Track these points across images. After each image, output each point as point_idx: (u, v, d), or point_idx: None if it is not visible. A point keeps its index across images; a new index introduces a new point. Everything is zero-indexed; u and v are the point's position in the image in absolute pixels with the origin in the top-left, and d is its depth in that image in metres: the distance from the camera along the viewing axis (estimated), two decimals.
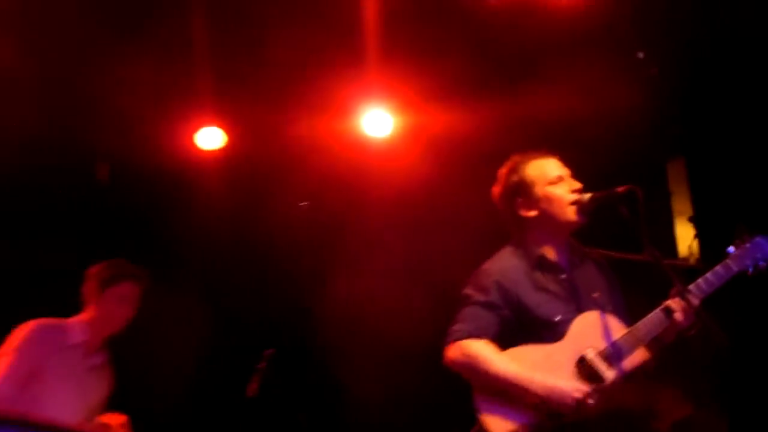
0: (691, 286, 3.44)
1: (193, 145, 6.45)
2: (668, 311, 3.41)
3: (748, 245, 3.54)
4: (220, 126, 6.40)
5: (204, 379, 6.55)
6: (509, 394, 3.33)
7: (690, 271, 3.55)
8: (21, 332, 4.18)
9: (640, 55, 6.21)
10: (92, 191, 6.53)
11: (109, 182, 6.57)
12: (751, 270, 3.53)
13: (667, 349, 3.49)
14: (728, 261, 3.52)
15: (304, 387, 5.65)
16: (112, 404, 4.46)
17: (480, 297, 3.52)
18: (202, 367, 6.52)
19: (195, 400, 6.45)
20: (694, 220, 6.75)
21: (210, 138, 6.45)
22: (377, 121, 6.42)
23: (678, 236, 6.81)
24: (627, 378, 3.34)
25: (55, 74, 5.83)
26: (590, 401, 3.26)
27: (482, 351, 3.41)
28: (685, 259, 6.44)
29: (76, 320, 4.36)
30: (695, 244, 6.69)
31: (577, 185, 3.61)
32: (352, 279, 6.53)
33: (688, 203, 6.86)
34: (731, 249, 3.55)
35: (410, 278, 6.45)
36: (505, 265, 3.59)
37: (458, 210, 6.02)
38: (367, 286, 6.48)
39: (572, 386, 3.30)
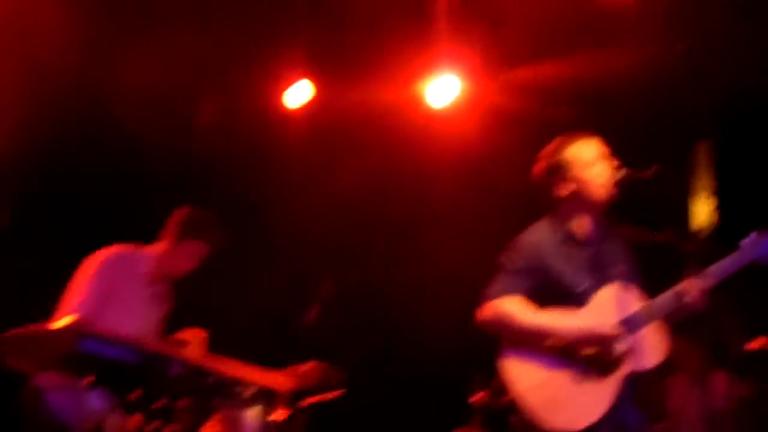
0: (706, 272, 3.22)
1: (280, 103, 6.21)
2: (679, 294, 3.22)
3: (761, 238, 3.28)
4: (309, 79, 6.08)
5: (273, 309, 6.45)
6: (536, 342, 3.20)
7: (705, 256, 3.28)
8: (97, 258, 3.98)
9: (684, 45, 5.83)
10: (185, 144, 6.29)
11: (213, 125, 6.31)
12: (762, 262, 3.28)
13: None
14: (741, 251, 3.28)
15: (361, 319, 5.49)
16: (193, 320, 4.32)
17: (512, 265, 3.37)
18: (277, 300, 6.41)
19: (262, 327, 6.36)
20: (716, 197, 6.45)
21: (297, 94, 6.10)
22: (442, 89, 6.09)
23: (698, 211, 6.50)
24: None
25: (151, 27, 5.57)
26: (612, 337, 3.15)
27: (513, 305, 3.28)
28: (703, 240, 6.13)
29: (148, 251, 4.13)
30: (714, 218, 6.39)
31: (614, 163, 3.39)
32: (415, 243, 6.33)
33: (713, 181, 6.53)
34: (745, 240, 3.29)
35: (470, 243, 6.22)
36: (539, 237, 3.42)
37: (515, 178, 5.77)
38: (430, 247, 6.27)
39: (597, 325, 3.18)
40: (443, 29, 5.72)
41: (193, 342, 5.18)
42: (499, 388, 3.34)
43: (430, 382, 6.33)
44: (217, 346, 4.00)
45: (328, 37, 6.00)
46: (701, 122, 6.43)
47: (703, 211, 6.46)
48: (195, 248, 4.12)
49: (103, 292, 3.89)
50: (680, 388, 5.67)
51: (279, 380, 3.72)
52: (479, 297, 3.37)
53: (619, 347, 3.17)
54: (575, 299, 3.26)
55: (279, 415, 4.64)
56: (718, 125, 6.36)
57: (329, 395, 5.06)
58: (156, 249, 4.16)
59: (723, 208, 6.38)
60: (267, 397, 4.21)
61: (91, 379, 2.86)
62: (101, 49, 5.49)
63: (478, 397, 5.16)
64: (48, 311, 3.94)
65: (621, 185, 3.33)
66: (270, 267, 6.36)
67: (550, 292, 3.29)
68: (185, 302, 4.38)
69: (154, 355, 2.91)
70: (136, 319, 3.98)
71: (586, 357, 3.17)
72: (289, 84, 6.12)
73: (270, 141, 6.36)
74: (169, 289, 4.24)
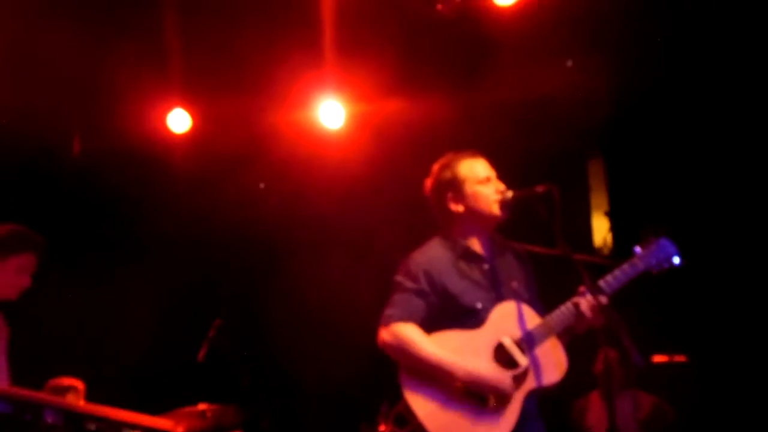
0: (600, 282, 3.31)
1: (164, 127, 6.21)
2: (577, 306, 3.28)
3: (653, 246, 3.39)
4: (187, 110, 6.15)
5: (160, 347, 6.32)
6: (434, 376, 3.21)
7: (601, 268, 3.37)
8: None
9: (569, 63, 6.06)
10: (65, 167, 6.18)
11: (82, 157, 6.23)
12: (655, 270, 3.37)
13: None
14: (635, 260, 3.38)
15: (248, 354, 5.43)
16: (71, 370, 4.16)
17: (410, 284, 3.37)
18: (160, 336, 6.29)
19: (150, 366, 6.21)
20: (609, 214, 6.67)
21: (179, 121, 6.21)
22: (331, 112, 6.21)
23: (594, 228, 6.73)
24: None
25: (34, 53, 5.47)
26: (507, 388, 3.19)
27: (412, 334, 3.28)
28: (598, 254, 6.34)
29: None
30: (609, 237, 6.61)
31: (502, 186, 3.49)
32: (303, 259, 6.33)
33: (606, 199, 6.78)
34: (638, 249, 3.40)
35: (357, 260, 6.27)
36: (433, 254, 3.45)
37: (404, 197, 5.85)
38: (317, 265, 6.29)
39: (492, 374, 3.19)
40: (330, 53, 5.79)
41: (69, 389, 4.97)
42: (402, 415, 3.30)
43: (334, 413, 6.29)
44: (94, 394, 3.85)
45: (213, 65, 6.00)
46: (592, 141, 6.69)
47: (599, 229, 6.69)
48: (21, 261, 3.84)
49: None
50: (596, 406, 5.82)
51: (168, 423, 3.59)
52: (377, 319, 3.36)
53: (521, 363, 3.20)
54: (473, 317, 3.29)
55: None
56: (608, 143, 6.63)
57: None
58: None
59: (617, 225, 6.62)
60: None
61: None
62: None
63: (384, 427, 5.13)
64: None
65: (513, 204, 3.40)
66: (153, 305, 6.23)
67: (449, 309, 3.31)
68: (57, 346, 4.22)
69: (25, 403, 2.76)
70: None
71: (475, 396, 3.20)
72: (171, 108, 6.12)
73: (155, 166, 6.30)
74: (2, 318, 3.96)
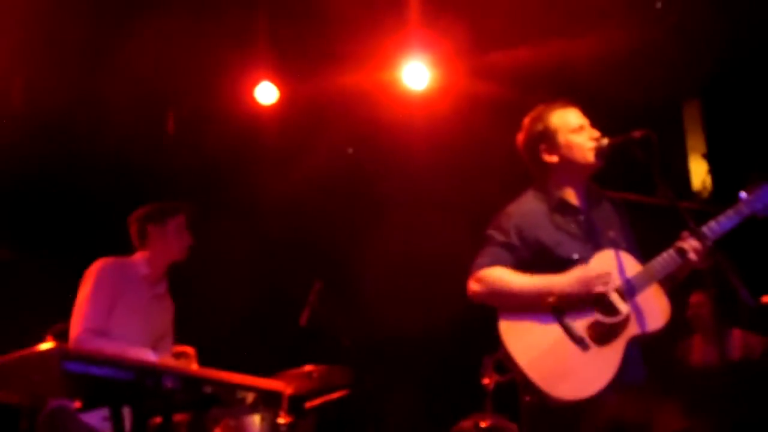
0: (704, 228, 3.23)
1: (252, 99, 6.32)
2: (681, 251, 3.23)
3: (759, 190, 3.30)
4: (274, 82, 6.25)
5: (263, 311, 6.50)
6: (531, 305, 3.20)
7: (702, 214, 3.30)
8: (93, 272, 4.06)
9: (658, 5, 5.88)
10: (161, 141, 6.41)
11: (175, 133, 6.43)
12: (761, 214, 3.29)
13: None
14: (740, 205, 3.29)
15: (349, 315, 5.53)
16: (178, 335, 4.37)
17: (500, 237, 3.38)
18: (262, 300, 6.47)
19: (254, 330, 6.40)
20: (707, 156, 6.49)
21: (267, 93, 6.31)
22: (416, 74, 6.20)
23: (692, 172, 6.56)
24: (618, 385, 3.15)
25: (128, 34, 5.65)
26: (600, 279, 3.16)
27: (499, 273, 3.30)
28: (697, 198, 6.18)
29: (137, 256, 4.24)
30: (708, 180, 6.44)
31: (596, 133, 3.43)
32: (394, 221, 6.38)
33: (703, 141, 6.58)
34: (743, 194, 3.32)
35: (449, 218, 6.29)
36: (526, 208, 3.44)
37: (490, 157, 5.84)
38: (407, 227, 6.34)
39: (586, 274, 3.19)
40: (415, 14, 5.78)
41: (182, 355, 5.22)
42: (502, 363, 3.32)
43: (438, 369, 6.37)
44: (206, 360, 4.03)
45: (294, 31, 6.06)
46: (687, 83, 6.49)
47: (697, 172, 6.51)
48: (178, 222, 4.25)
49: (109, 300, 3.97)
50: (699, 347, 5.75)
51: (280, 384, 3.72)
52: (463, 272, 3.38)
53: (622, 311, 3.18)
54: (570, 267, 3.25)
55: (285, 418, 4.66)
56: (706, 84, 6.42)
57: (334, 395, 5.07)
58: (142, 253, 4.25)
59: (716, 168, 6.44)
60: (270, 403, 4.22)
61: (83, 400, 2.86)
62: (71, 67, 5.59)
63: (488, 380, 5.18)
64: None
65: (609, 151, 3.34)
66: (253, 269, 6.41)
67: (543, 262, 3.29)
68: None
69: (145, 369, 2.90)
70: (142, 324, 4.07)
71: (589, 324, 3.16)
72: (258, 82, 6.23)
73: (246, 138, 6.44)
74: (168, 288, 4.33)
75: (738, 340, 5.56)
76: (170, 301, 4.37)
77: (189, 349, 5.39)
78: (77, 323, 3.91)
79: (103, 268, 4.07)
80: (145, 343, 4.07)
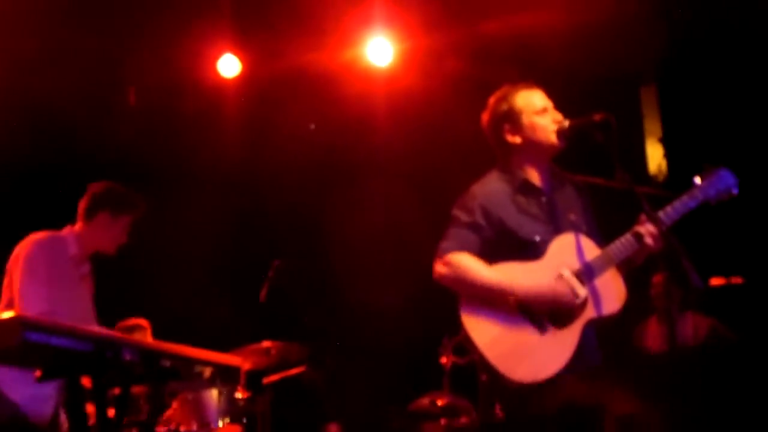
0: (660, 213, 3.30)
1: (215, 72, 6.27)
2: (638, 235, 3.29)
3: (713, 177, 3.38)
4: (237, 55, 6.19)
5: (222, 286, 6.47)
6: (492, 299, 3.23)
7: (658, 198, 3.36)
8: (28, 248, 3.93)
9: None
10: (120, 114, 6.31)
11: (137, 106, 6.35)
12: (714, 201, 3.38)
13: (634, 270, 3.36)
14: (694, 191, 3.37)
15: (309, 292, 5.54)
16: (136, 309, 4.33)
17: (465, 218, 3.40)
18: (220, 275, 6.43)
19: (213, 305, 6.37)
20: (663, 141, 6.59)
21: (230, 65, 6.27)
22: (380, 50, 6.20)
23: (648, 156, 6.66)
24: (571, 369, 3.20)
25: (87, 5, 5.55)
26: (568, 299, 3.21)
27: (467, 261, 3.31)
28: (653, 182, 6.28)
29: (69, 232, 4.11)
30: (664, 164, 6.54)
31: (559, 116, 3.46)
32: (358, 197, 6.39)
33: (659, 125, 6.68)
34: (697, 180, 3.39)
35: (410, 195, 6.31)
36: (490, 188, 3.46)
37: (454, 133, 5.87)
38: (371, 203, 6.35)
39: (552, 287, 3.23)
40: None
41: (136, 328, 5.18)
42: (462, 345, 3.36)
43: (397, 347, 6.41)
44: (164, 332, 4.00)
45: (258, 3, 6.01)
46: (644, 67, 6.57)
47: (653, 156, 6.61)
48: (116, 220, 4.13)
49: (47, 279, 3.86)
50: (654, 329, 5.88)
51: (237, 360, 3.71)
52: (432, 252, 3.40)
53: (581, 294, 3.23)
54: (531, 250, 3.30)
55: (242, 393, 4.67)
56: (663, 70, 6.50)
57: (291, 371, 5.09)
58: (76, 228, 4.13)
59: (672, 152, 6.54)
60: (227, 378, 4.21)
61: (41, 370, 2.83)
62: (30, 42, 5.47)
63: (446, 359, 5.22)
64: None
65: (571, 133, 3.38)
66: (214, 244, 6.37)
67: (506, 243, 3.33)
68: (121, 287, 4.37)
69: (105, 341, 2.87)
70: (76, 301, 3.98)
71: (546, 313, 3.22)
72: (221, 54, 6.17)
73: (209, 111, 6.39)
74: (91, 269, 4.23)
75: (689, 322, 5.70)
76: (92, 284, 4.24)
77: (143, 322, 5.36)
78: (30, 306, 3.76)
79: (41, 245, 3.94)
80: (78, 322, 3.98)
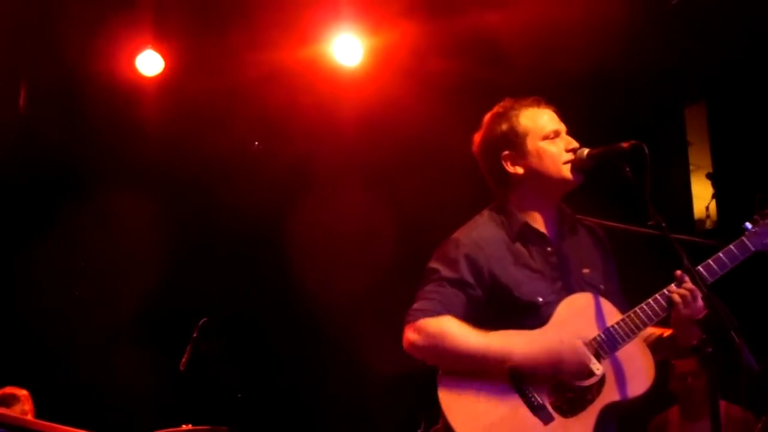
0: (702, 266, 3.29)
1: (133, 70, 6.30)
2: (670, 296, 3.26)
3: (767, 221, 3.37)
4: (158, 50, 6.24)
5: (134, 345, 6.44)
6: (482, 372, 3.20)
7: (702, 248, 3.36)
8: None
9: None
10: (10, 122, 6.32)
11: (28, 109, 6.35)
12: None
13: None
14: (744, 239, 3.36)
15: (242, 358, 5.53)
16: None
17: (447, 273, 3.36)
18: (136, 329, 6.42)
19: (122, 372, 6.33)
20: (712, 176, 6.62)
21: (150, 63, 6.32)
22: (347, 48, 6.28)
23: (694, 194, 6.69)
24: None
25: None
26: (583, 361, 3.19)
27: (447, 325, 3.27)
28: (698, 228, 6.30)
29: None
30: (713, 205, 6.57)
31: (574, 144, 3.44)
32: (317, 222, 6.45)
33: (707, 156, 6.72)
34: (748, 225, 3.38)
35: (379, 215, 6.38)
36: (480, 234, 3.42)
37: (433, 141, 5.93)
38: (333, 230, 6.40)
39: (560, 346, 3.21)
40: None
41: (12, 399, 5.10)
42: None
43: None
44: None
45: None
46: (690, 81, 6.63)
47: (700, 192, 6.64)
48: None
49: None
50: (678, 424, 5.82)
51: None
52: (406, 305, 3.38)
53: (595, 371, 3.20)
54: (533, 314, 3.28)
55: None
56: (713, 84, 6.55)
57: None
58: None
59: (723, 190, 6.57)
60: None
61: None
62: None
63: None
64: None
65: (590, 166, 3.36)
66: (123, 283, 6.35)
67: (499, 305, 3.30)
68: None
69: None
70: None
71: (551, 387, 3.19)
72: (139, 51, 6.24)
73: (124, 116, 6.42)
74: None
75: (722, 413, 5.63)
76: None
77: (20, 392, 5.26)
78: None
79: None
80: None
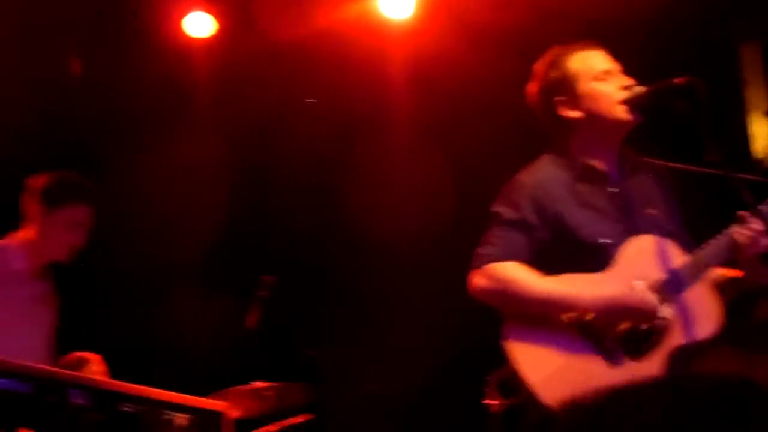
0: (765, 206, 3.29)
1: (180, 31, 6.33)
2: (737, 237, 3.28)
3: None
4: (209, 11, 6.24)
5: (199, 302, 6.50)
6: (548, 319, 3.23)
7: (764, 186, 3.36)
8: None
9: None
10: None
11: (81, 76, 6.41)
12: None
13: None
14: None
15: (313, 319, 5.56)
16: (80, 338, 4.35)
17: (511, 215, 3.39)
18: (198, 285, 6.47)
19: (186, 331, 6.41)
20: None
21: (199, 24, 6.30)
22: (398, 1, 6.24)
23: (753, 133, 6.63)
24: None
25: None
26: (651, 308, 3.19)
27: (515, 272, 3.31)
28: (760, 167, 6.25)
29: (15, 242, 4.16)
30: None
31: (629, 81, 3.44)
32: (368, 191, 6.47)
33: (764, 95, 6.66)
34: None
35: (435, 179, 6.39)
36: (543, 176, 3.46)
37: (491, 100, 5.92)
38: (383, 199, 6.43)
39: (629, 293, 3.21)
40: None
41: (83, 363, 5.22)
42: (508, 384, 3.37)
43: (430, 383, 6.43)
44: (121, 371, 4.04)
45: None
46: (746, 19, 6.55)
47: (758, 131, 6.59)
48: (72, 215, 4.15)
49: None
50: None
51: (221, 404, 3.74)
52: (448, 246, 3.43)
53: (662, 316, 3.23)
54: (597, 256, 3.29)
55: None
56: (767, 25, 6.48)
57: (294, 420, 5.07)
58: (23, 236, 4.18)
59: None
60: (208, 429, 4.23)
61: None
62: None
63: (492, 400, 5.21)
64: None
65: (644, 103, 3.37)
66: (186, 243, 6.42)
67: (563, 246, 3.33)
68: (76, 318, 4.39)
69: (48, 381, 2.92)
70: (21, 329, 4.01)
71: (618, 335, 3.21)
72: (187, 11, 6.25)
73: (173, 80, 6.45)
74: (52, 286, 4.27)
75: None
76: (52, 307, 4.27)
77: (93, 356, 5.38)
78: None
79: None
80: (26, 351, 3.98)
